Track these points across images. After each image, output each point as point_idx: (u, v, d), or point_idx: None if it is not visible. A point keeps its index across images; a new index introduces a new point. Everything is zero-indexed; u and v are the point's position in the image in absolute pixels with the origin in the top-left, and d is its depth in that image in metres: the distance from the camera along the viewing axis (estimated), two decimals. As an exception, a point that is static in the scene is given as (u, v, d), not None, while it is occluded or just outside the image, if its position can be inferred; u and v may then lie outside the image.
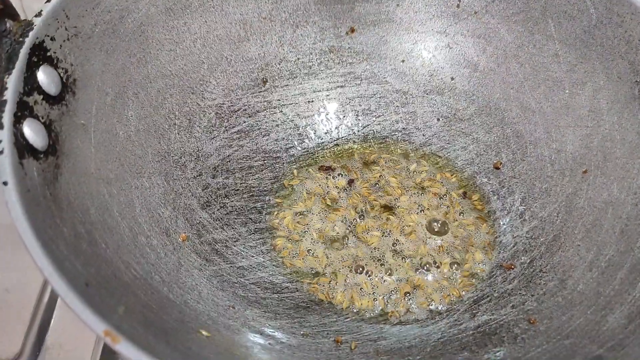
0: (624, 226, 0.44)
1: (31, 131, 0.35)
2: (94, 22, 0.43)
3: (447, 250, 0.51)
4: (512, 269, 0.49)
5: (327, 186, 0.55)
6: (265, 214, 0.54)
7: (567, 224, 0.48)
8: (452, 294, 0.49)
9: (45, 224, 0.33)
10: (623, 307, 0.39)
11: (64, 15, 0.40)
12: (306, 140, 0.58)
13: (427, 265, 0.50)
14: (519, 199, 0.53)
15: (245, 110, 0.56)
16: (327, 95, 0.59)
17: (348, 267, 0.50)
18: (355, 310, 0.48)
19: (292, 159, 0.57)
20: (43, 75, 0.38)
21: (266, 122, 0.57)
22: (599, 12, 0.49)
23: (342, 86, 0.59)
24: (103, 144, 0.43)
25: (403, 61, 0.59)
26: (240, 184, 0.54)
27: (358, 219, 0.53)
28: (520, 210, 0.52)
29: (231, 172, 0.54)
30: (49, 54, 0.39)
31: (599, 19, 0.49)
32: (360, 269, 0.50)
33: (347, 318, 0.47)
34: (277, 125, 0.58)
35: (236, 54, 0.55)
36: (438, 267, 0.50)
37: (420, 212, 0.54)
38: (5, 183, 0.32)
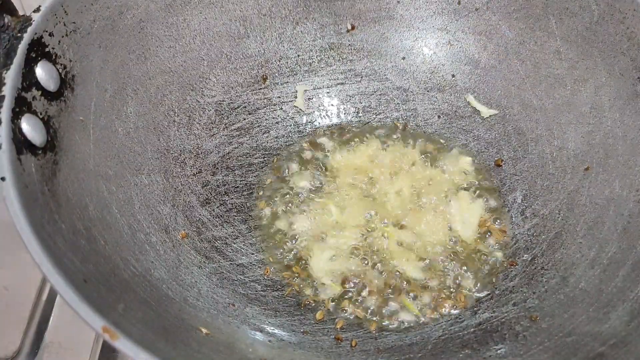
0: (626, 223, 0.44)
1: (29, 127, 0.35)
2: (93, 18, 0.43)
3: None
4: (514, 266, 0.49)
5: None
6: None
7: (569, 221, 0.48)
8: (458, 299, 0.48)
9: (43, 220, 0.33)
10: (625, 304, 0.39)
11: (62, 11, 0.40)
12: (306, 138, 0.58)
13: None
14: (520, 197, 0.53)
15: (245, 107, 0.56)
16: (328, 92, 0.59)
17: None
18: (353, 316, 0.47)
19: (292, 155, 0.57)
20: (41, 71, 0.38)
21: (266, 119, 0.57)
22: (600, 9, 0.48)
23: (342, 83, 0.59)
24: (102, 141, 0.43)
25: (404, 58, 0.59)
26: (240, 181, 0.54)
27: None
28: (522, 208, 0.52)
29: (231, 170, 0.54)
30: (47, 49, 0.39)
31: (600, 16, 0.49)
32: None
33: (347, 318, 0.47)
34: (277, 123, 0.58)
35: (236, 51, 0.55)
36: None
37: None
38: (3, 179, 0.32)
